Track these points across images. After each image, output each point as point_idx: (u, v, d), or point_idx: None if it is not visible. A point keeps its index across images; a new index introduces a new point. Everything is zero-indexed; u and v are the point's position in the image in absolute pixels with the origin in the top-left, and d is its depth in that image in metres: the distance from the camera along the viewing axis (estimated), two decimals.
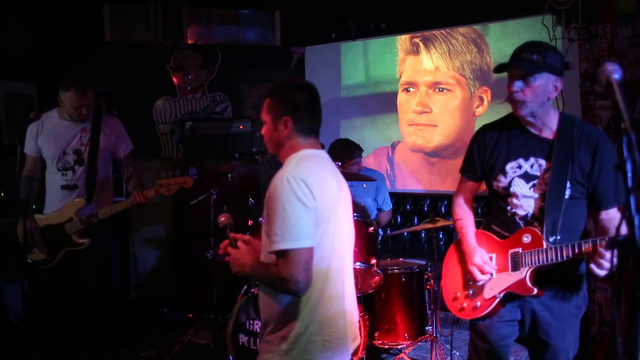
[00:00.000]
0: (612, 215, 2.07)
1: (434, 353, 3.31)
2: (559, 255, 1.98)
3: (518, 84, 2.04)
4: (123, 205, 3.25)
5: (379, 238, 3.71)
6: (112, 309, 3.54)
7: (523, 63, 2.04)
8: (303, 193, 1.66)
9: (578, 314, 2.16)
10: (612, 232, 2.00)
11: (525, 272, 2.07)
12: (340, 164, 3.73)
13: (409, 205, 4.90)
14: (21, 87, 4.66)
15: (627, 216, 1.30)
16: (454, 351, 3.53)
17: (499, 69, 2.13)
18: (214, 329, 3.80)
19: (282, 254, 1.66)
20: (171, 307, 4.66)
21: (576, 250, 1.94)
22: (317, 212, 1.69)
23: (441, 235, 4.50)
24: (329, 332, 1.76)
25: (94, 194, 3.30)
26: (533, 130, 2.14)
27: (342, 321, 1.81)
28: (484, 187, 2.34)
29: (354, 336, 1.89)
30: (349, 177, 3.44)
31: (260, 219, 2.73)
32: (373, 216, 4.08)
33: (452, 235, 4.43)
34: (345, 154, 3.84)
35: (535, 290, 2.06)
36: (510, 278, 2.11)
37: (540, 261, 2.03)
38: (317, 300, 1.74)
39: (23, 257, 3.25)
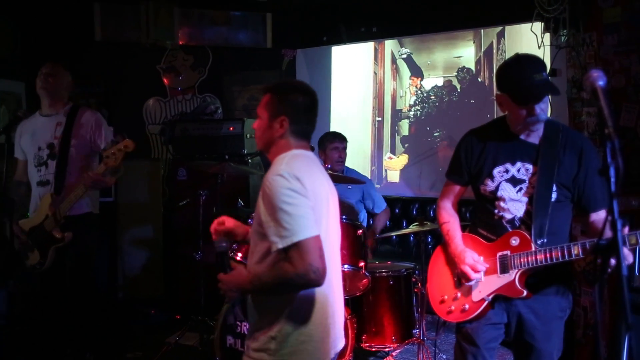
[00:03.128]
0: (602, 216, 2.08)
1: (420, 356, 3.33)
2: (548, 257, 2.00)
3: (542, 106, 2.04)
4: (78, 191, 3.07)
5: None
6: (97, 309, 3.49)
7: (550, 87, 2.03)
8: (299, 188, 1.66)
9: (563, 316, 2.19)
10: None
11: (514, 275, 2.09)
12: (329, 166, 3.75)
13: (397, 209, 4.92)
14: (10, 85, 4.62)
15: (610, 220, 1.33)
16: (440, 354, 3.55)
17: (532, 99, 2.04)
18: (201, 331, 3.78)
19: (294, 247, 1.62)
20: (159, 308, 4.63)
21: (565, 252, 1.96)
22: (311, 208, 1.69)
23: (429, 239, 4.52)
24: (317, 333, 1.76)
25: (64, 187, 3.16)
26: (520, 136, 2.16)
27: (330, 321, 1.81)
28: (470, 191, 2.36)
29: (341, 337, 1.90)
30: (338, 179, 3.45)
31: (250, 220, 2.72)
32: (360, 216, 4.10)
33: (440, 239, 4.44)
34: (327, 139, 3.99)
35: (525, 292, 2.07)
36: (499, 280, 2.12)
37: (530, 263, 2.05)
38: (306, 300, 1.75)
39: (10, 258, 3.20)
